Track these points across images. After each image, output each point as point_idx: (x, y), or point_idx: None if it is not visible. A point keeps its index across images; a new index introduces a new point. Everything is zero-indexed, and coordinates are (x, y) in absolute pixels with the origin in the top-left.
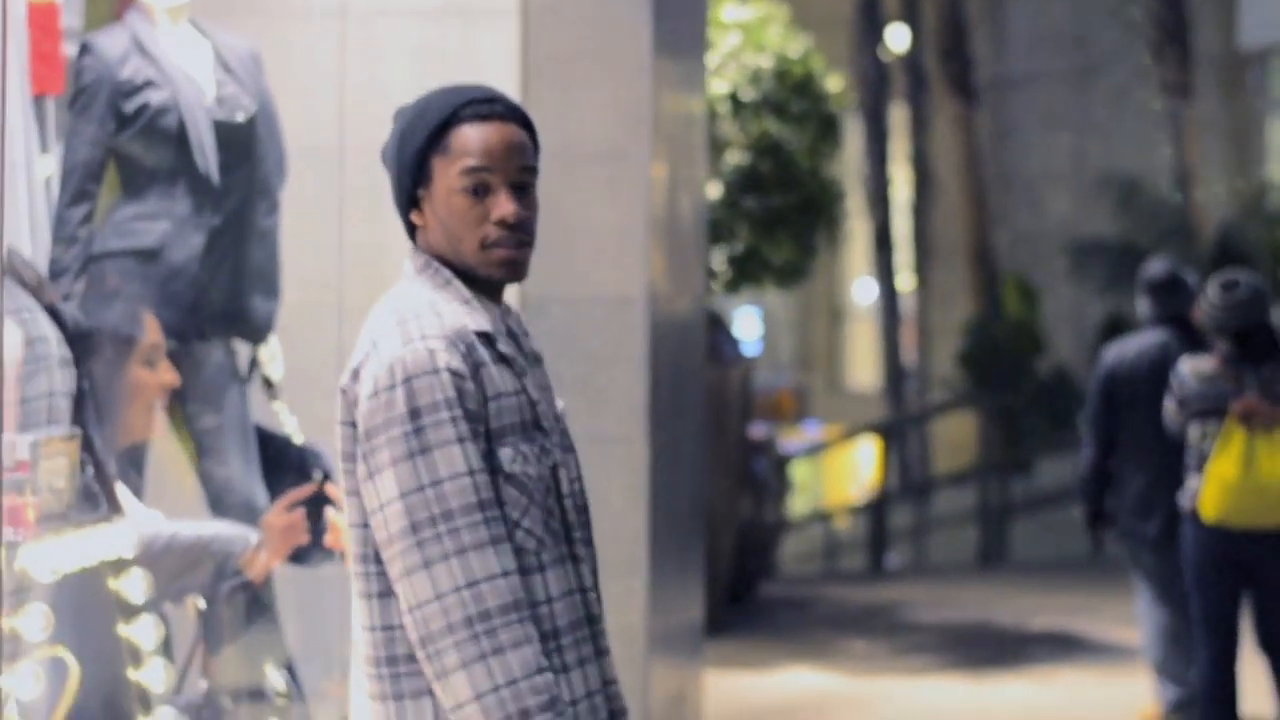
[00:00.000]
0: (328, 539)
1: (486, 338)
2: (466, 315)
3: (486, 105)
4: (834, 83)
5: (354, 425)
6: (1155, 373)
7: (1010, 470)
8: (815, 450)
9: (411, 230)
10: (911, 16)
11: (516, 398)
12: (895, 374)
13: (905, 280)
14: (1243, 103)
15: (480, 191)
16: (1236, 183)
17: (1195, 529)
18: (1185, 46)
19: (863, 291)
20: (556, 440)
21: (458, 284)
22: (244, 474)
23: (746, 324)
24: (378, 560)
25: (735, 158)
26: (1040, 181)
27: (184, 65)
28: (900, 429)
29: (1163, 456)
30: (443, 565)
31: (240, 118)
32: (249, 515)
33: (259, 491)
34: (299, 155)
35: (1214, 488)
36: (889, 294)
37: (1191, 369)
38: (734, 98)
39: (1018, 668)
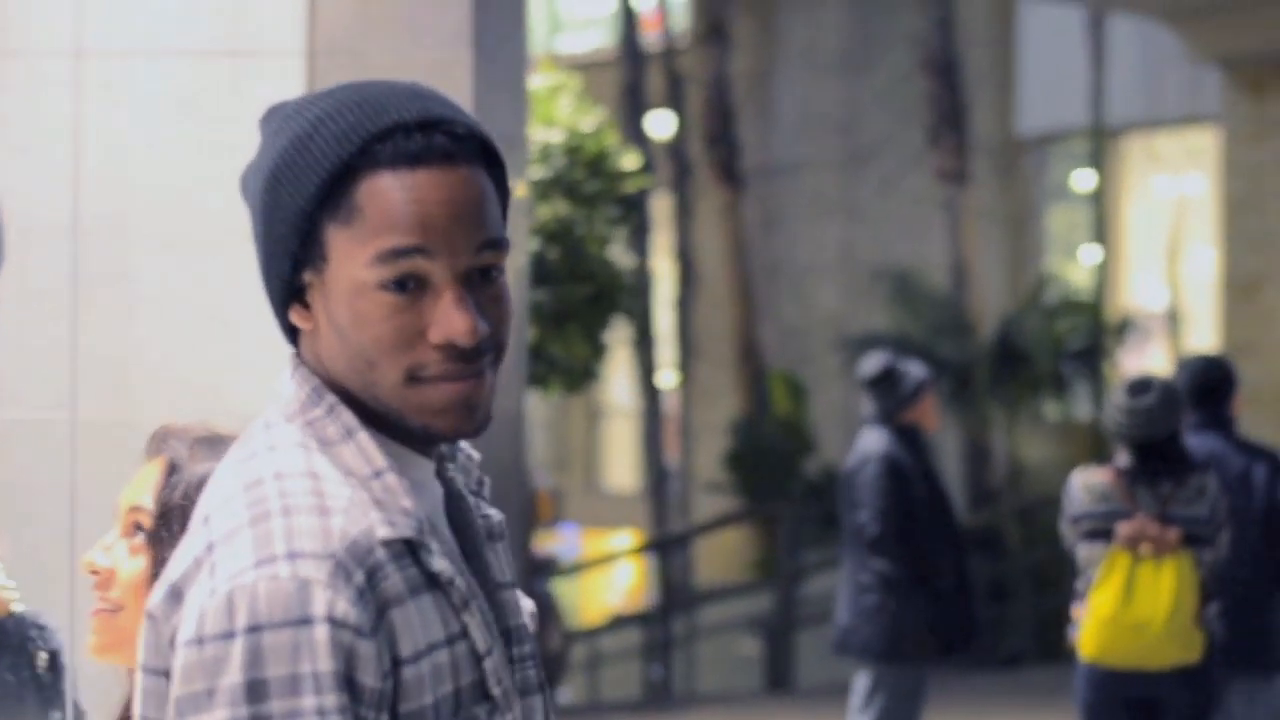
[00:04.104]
0: None
1: (408, 547)
2: (372, 505)
3: (421, 137)
4: (630, 160)
5: (165, 676)
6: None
7: (786, 582)
8: (577, 568)
9: (292, 332)
10: (676, 101)
11: (449, 651)
12: (657, 475)
13: (667, 376)
14: (1020, 191)
15: (410, 287)
16: (1014, 274)
17: (1082, 665)
18: (962, 132)
19: (621, 388)
20: (517, 712)
21: (364, 439)
22: None
23: None
24: None
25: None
26: (808, 273)
27: None
28: (665, 540)
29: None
30: None
31: None
32: None
33: None
34: (21, 233)
35: (1091, 621)
36: (650, 391)
37: (1082, 482)
38: None
39: None
